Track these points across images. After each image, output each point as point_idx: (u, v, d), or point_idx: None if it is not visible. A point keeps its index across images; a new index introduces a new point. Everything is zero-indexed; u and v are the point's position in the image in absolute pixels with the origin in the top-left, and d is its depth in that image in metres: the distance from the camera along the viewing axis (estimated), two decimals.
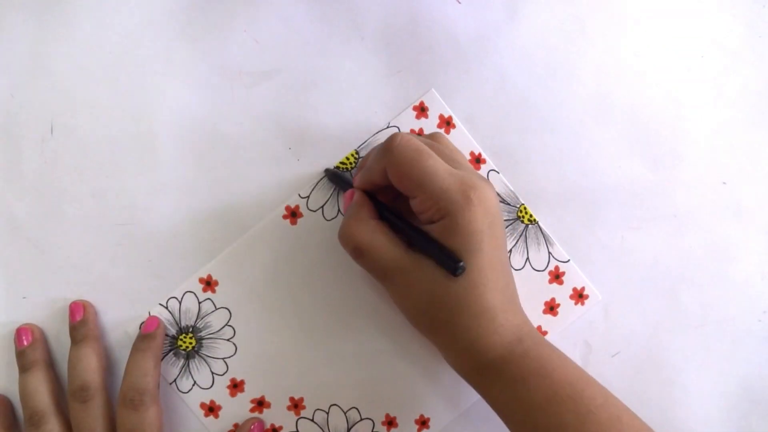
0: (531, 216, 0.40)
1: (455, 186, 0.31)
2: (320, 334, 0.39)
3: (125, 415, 0.35)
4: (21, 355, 0.37)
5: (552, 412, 0.30)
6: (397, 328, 0.39)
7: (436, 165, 0.32)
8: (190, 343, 0.39)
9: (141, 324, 0.38)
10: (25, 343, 0.37)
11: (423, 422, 0.40)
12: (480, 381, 0.33)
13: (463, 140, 0.40)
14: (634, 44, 0.40)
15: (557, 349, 0.33)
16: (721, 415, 0.41)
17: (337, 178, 0.38)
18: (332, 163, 0.39)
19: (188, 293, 0.39)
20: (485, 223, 0.31)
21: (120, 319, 0.39)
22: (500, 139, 0.40)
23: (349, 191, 0.36)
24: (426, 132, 0.40)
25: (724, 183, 0.41)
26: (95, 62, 0.39)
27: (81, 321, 0.37)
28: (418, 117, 0.40)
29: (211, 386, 0.39)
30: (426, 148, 0.33)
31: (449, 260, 0.31)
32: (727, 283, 0.41)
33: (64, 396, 0.38)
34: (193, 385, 0.39)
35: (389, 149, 0.32)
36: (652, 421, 0.32)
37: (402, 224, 0.34)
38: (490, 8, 0.40)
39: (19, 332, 0.37)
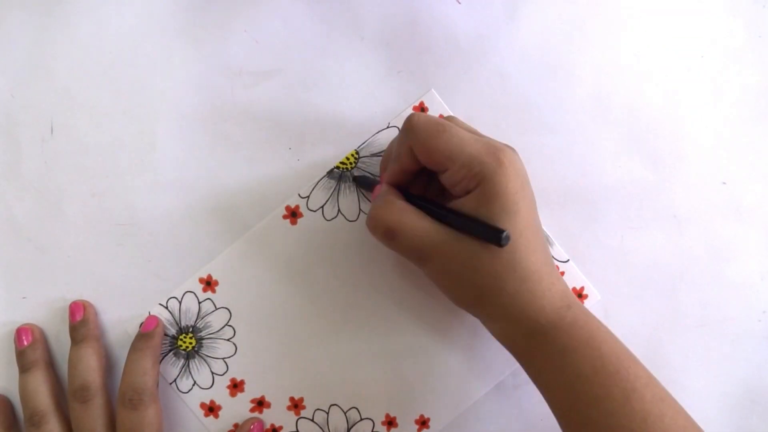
0: None
1: (484, 150, 0.31)
2: (320, 334, 0.39)
3: (125, 415, 0.36)
4: (21, 355, 0.37)
5: (598, 383, 0.30)
6: (397, 328, 0.40)
7: (461, 134, 0.32)
8: (190, 343, 0.39)
9: (140, 324, 0.38)
10: (25, 343, 0.37)
11: (423, 422, 0.40)
12: (527, 349, 0.33)
13: None
14: (633, 44, 0.40)
15: (602, 323, 0.33)
16: (721, 414, 0.41)
17: (366, 182, 0.38)
18: (333, 162, 0.39)
19: (188, 293, 0.39)
20: (518, 183, 0.31)
21: (120, 318, 0.39)
22: (501, 139, 0.40)
23: (377, 186, 0.36)
24: None
25: (724, 183, 0.41)
26: (95, 62, 0.39)
27: (81, 321, 0.37)
28: None
29: (211, 386, 0.39)
30: (445, 121, 0.33)
31: (493, 232, 0.30)
32: (726, 283, 0.41)
33: (65, 396, 0.38)
34: (193, 385, 0.39)
35: (411, 128, 0.32)
36: None
37: (434, 206, 0.33)
38: (490, 8, 0.40)
39: (19, 332, 0.37)
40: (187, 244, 0.39)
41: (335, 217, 0.39)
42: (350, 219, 0.39)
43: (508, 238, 0.30)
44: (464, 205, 0.32)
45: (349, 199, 0.39)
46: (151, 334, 0.37)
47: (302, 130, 0.39)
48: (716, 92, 0.41)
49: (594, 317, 0.33)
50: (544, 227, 0.40)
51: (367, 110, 0.40)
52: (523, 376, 0.34)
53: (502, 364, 0.40)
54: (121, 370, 0.37)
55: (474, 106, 0.40)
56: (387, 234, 0.33)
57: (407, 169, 0.34)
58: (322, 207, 0.39)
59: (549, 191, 0.40)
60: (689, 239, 0.40)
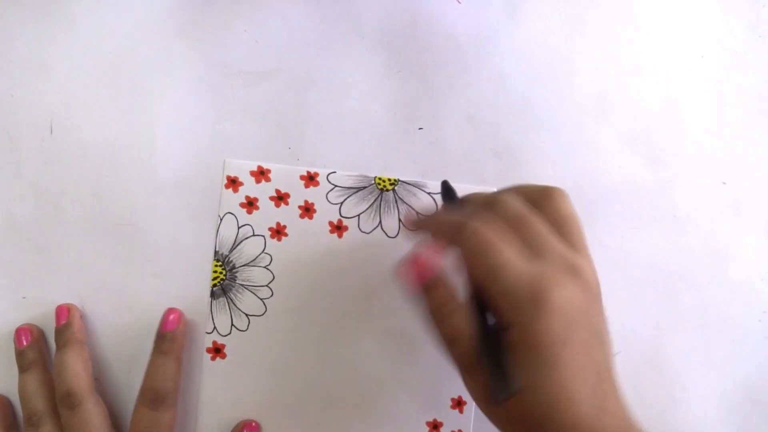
0: None
1: (524, 288, 0.26)
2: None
3: (144, 412, 0.36)
4: (20, 355, 0.37)
5: None
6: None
7: (506, 261, 0.27)
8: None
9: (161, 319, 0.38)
10: (25, 343, 0.37)
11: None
12: None
13: None
14: (633, 44, 0.40)
15: None
16: (721, 415, 0.41)
17: (450, 195, 0.36)
18: (333, 163, 0.39)
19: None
20: (563, 333, 0.25)
21: (119, 319, 0.39)
22: (501, 139, 0.40)
23: (430, 258, 0.31)
24: None
25: (724, 183, 0.41)
26: (95, 62, 0.39)
27: (65, 324, 0.37)
28: None
29: None
30: (500, 237, 0.28)
31: (499, 384, 0.26)
32: (727, 283, 0.41)
33: None
34: None
35: (459, 239, 0.28)
36: (652, 421, 0.32)
37: (476, 319, 0.29)
38: (490, 8, 0.40)
39: (19, 332, 0.37)
40: (187, 244, 0.39)
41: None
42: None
43: (504, 399, 0.26)
44: (505, 335, 0.27)
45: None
46: (173, 336, 0.37)
47: (302, 130, 0.39)
48: (716, 92, 0.41)
49: None
50: None
51: (367, 110, 0.40)
52: None
53: None
54: (122, 371, 0.37)
55: (474, 106, 0.40)
56: (442, 341, 0.30)
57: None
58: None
59: None
60: (689, 239, 0.40)
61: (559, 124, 0.40)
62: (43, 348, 0.38)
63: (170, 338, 0.37)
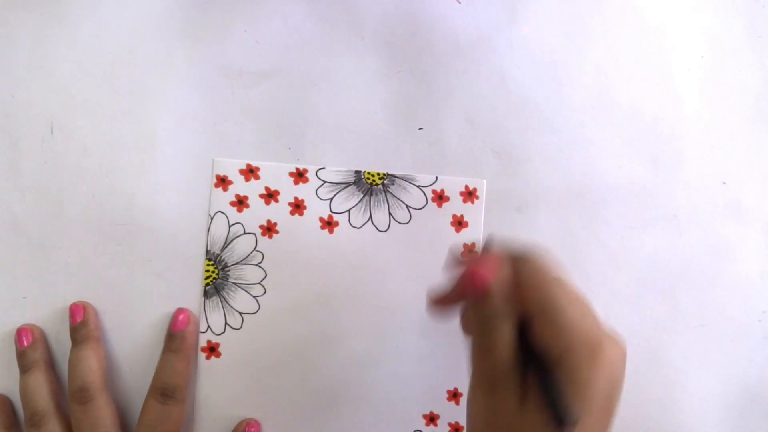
0: None
1: (584, 334, 0.27)
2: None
3: (153, 405, 0.36)
4: (21, 356, 0.37)
5: None
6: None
7: (571, 297, 0.28)
8: None
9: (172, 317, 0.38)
10: (26, 343, 0.37)
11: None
12: None
13: None
14: (634, 44, 0.40)
15: None
16: (721, 414, 0.41)
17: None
18: (333, 162, 0.39)
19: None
20: (608, 388, 0.27)
21: (120, 319, 0.39)
22: (501, 139, 0.40)
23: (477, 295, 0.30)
24: None
25: (724, 183, 0.41)
26: (95, 62, 0.39)
27: (81, 322, 0.37)
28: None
29: None
30: (564, 277, 0.29)
31: (561, 411, 0.26)
32: (726, 283, 0.41)
33: (65, 396, 0.38)
34: None
35: (525, 258, 0.29)
36: (652, 421, 0.32)
37: (517, 340, 0.29)
38: (490, 8, 0.40)
39: (19, 332, 0.37)
40: (187, 244, 0.39)
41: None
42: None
43: (572, 424, 0.26)
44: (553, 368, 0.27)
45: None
46: (183, 335, 0.38)
47: (302, 130, 0.39)
48: (716, 92, 0.41)
49: None
50: (544, 229, 0.40)
51: (368, 110, 0.40)
52: None
53: None
54: (127, 370, 0.38)
55: (474, 106, 0.40)
56: (476, 324, 0.30)
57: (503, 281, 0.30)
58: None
59: (550, 191, 0.40)
60: (689, 239, 0.40)
61: (559, 124, 0.40)
62: (44, 348, 0.38)
63: (180, 337, 0.38)
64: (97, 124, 0.39)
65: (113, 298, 0.39)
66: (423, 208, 0.40)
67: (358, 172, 0.39)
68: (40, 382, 0.37)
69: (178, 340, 0.38)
